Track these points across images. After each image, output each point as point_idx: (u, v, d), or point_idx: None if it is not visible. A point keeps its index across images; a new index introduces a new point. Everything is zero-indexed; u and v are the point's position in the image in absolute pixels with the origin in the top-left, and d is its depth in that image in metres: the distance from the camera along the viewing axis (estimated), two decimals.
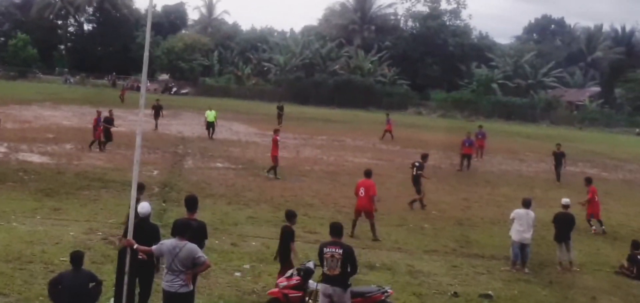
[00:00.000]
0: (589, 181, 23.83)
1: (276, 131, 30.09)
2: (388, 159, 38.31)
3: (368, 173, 20.14)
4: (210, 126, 42.53)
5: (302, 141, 44.42)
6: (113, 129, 34.01)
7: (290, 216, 13.76)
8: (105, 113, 33.99)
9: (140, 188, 16.22)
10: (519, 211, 17.41)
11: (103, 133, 32.87)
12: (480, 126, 44.01)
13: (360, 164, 34.45)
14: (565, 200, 18.80)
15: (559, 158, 34.73)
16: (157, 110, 44.98)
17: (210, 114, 42.83)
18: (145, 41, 11.67)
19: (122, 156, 31.39)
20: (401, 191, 27.92)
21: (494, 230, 21.98)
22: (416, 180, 24.55)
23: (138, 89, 73.55)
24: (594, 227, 22.80)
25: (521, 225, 17.18)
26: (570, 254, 17.93)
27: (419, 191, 24.47)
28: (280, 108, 55.63)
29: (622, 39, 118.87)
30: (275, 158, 28.83)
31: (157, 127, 43.74)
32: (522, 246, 17.21)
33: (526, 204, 17.58)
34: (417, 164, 24.91)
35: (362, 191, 19.45)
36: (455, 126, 62.07)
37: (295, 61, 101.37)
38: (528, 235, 17.22)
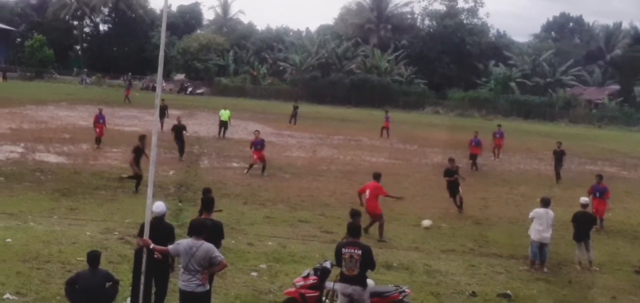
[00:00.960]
0: (600, 178, 23.43)
1: (256, 132, 30.30)
2: (405, 159, 38.18)
3: (376, 176, 19.90)
4: (223, 125, 42.63)
5: (319, 141, 44.37)
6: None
7: (355, 214, 14.14)
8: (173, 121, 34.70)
9: (207, 192, 16.27)
10: (539, 211, 17.24)
11: (176, 140, 32.04)
12: (499, 125, 43.66)
13: (376, 164, 34.39)
14: (584, 199, 18.63)
15: (559, 156, 33.58)
16: (162, 110, 42.25)
17: (224, 114, 42.96)
18: (161, 41, 11.63)
19: None
20: (418, 191, 27.86)
21: (512, 229, 21.83)
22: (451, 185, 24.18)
23: (153, 89, 73.80)
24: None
25: (541, 224, 17.00)
26: (590, 253, 17.75)
27: (457, 192, 24.13)
28: (295, 108, 55.65)
29: None
30: (261, 157, 28.95)
31: (162, 127, 39.08)
32: (541, 246, 17.04)
33: (545, 203, 17.39)
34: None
35: (367, 192, 19.33)
36: (472, 125, 61.69)
37: (311, 61, 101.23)
38: (547, 235, 17.04)
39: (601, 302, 15.19)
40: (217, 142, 39.51)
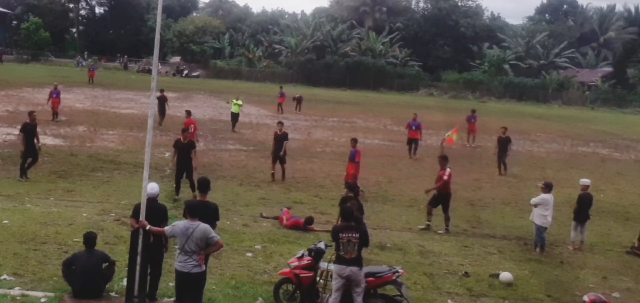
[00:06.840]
0: (355, 141, 23.17)
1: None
2: (399, 140, 38.26)
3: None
4: (234, 117, 38.31)
5: (314, 123, 44.46)
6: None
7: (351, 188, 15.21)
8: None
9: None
10: (546, 197, 17.09)
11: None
12: (474, 111, 41.96)
13: (371, 146, 34.53)
14: (585, 181, 18.58)
15: (503, 143, 29.54)
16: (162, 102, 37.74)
17: (235, 105, 38.49)
18: (156, 24, 11.69)
19: (134, 138, 31.56)
20: (412, 172, 28.01)
21: (505, 210, 22.03)
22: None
23: (149, 71, 73.75)
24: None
25: (548, 209, 16.99)
26: (584, 235, 17.90)
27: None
28: (299, 100, 52.91)
29: (635, 20, 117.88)
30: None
31: (161, 122, 36.38)
32: (544, 230, 17.14)
33: (550, 188, 17.38)
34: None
35: None
36: (466, 107, 61.78)
37: (306, 43, 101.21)
38: (551, 219, 17.19)
39: (592, 282, 15.32)
40: (212, 124, 39.51)
